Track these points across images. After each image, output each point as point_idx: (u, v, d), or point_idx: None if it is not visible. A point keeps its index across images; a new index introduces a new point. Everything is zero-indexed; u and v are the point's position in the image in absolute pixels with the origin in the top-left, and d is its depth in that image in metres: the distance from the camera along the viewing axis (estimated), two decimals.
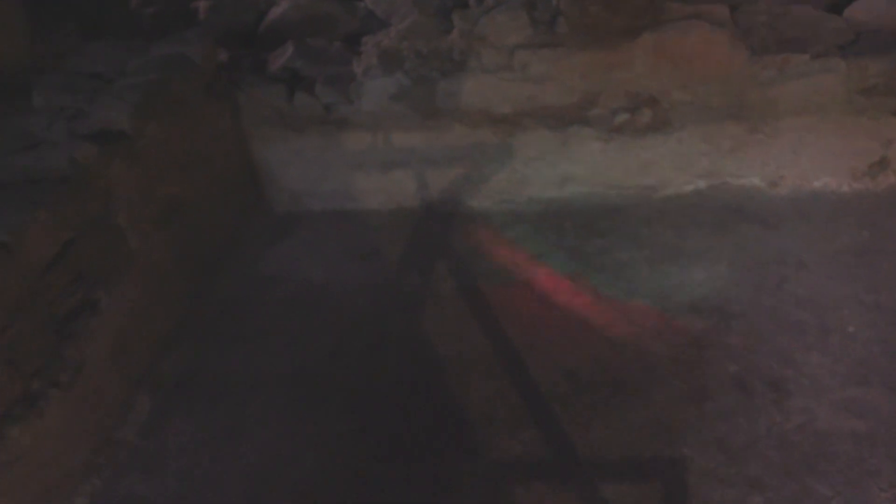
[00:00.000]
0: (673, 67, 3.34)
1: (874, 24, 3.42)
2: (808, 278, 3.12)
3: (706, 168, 3.58)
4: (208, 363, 3.11)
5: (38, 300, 2.48)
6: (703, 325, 2.97)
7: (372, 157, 3.72)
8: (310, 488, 2.57)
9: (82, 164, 2.78)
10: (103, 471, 2.71)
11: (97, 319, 2.73)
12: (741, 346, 2.87)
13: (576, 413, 2.71)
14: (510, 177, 3.68)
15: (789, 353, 2.81)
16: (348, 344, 3.11)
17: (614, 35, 3.31)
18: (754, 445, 2.52)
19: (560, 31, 3.35)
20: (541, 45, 3.38)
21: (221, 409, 2.90)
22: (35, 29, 3.45)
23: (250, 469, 2.66)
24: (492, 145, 3.61)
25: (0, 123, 2.97)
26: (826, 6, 3.58)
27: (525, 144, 3.59)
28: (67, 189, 2.65)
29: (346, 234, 3.75)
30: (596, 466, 2.53)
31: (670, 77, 3.37)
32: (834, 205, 3.46)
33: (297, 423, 2.80)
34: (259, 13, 4.18)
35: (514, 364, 2.92)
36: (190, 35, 3.55)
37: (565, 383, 2.82)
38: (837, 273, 3.12)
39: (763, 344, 2.87)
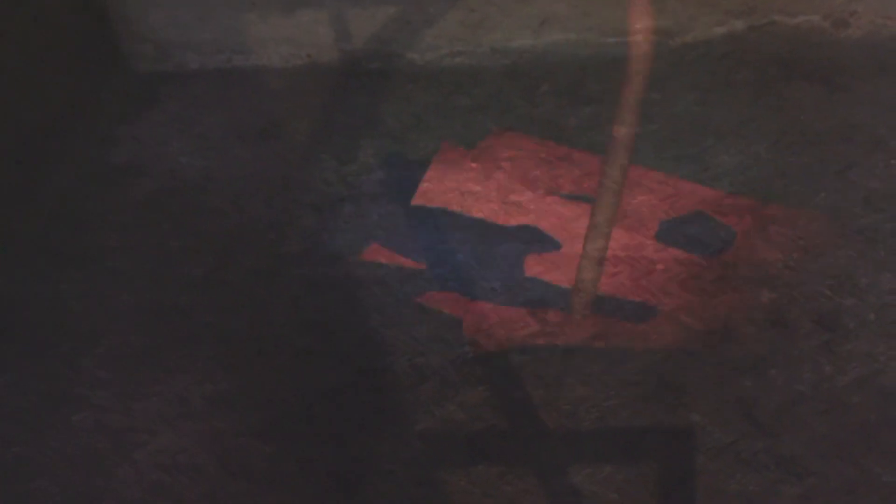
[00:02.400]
0: None
1: None
2: (885, 163, 2.99)
3: (745, 1, 3.42)
4: (25, 296, 2.96)
5: None
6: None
7: None
8: (159, 479, 2.44)
9: None
10: None
11: None
12: (781, 265, 2.72)
13: (543, 363, 2.57)
14: (465, 18, 3.55)
15: (851, 275, 2.68)
16: (230, 265, 2.97)
17: None
18: (793, 410, 2.40)
19: None
20: None
21: (42, 365, 2.75)
22: None
23: (78, 454, 2.51)
24: None
25: None
26: None
27: None
28: None
29: (235, 103, 3.62)
30: (567, 441, 2.40)
31: None
32: None
33: (148, 384, 2.66)
34: None
35: (461, 291, 2.79)
36: None
37: (532, 321, 2.68)
38: None
39: (814, 261, 2.72)
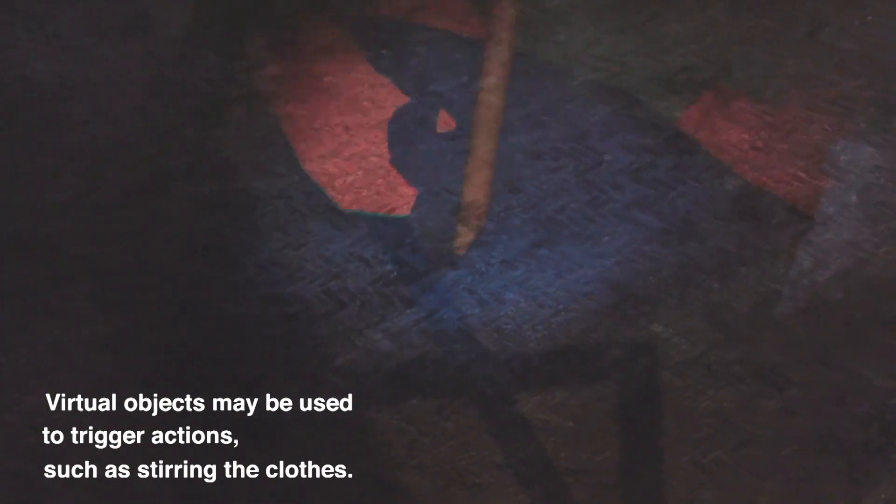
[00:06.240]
0: None
1: None
2: (860, 20, 3.05)
3: None
4: None
5: None
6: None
7: None
8: (36, 443, 2.39)
9: None
10: None
11: None
12: (748, 146, 2.76)
13: (479, 277, 2.56)
14: None
15: (828, 152, 2.73)
16: (101, 187, 2.92)
17: None
18: (768, 312, 2.44)
19: None
20: None
21: None
22: None
23: None
24: None
25: None
26: None
27: None
28: None
29: None
30: (511, 365, 2.41)
31: None
32: None
33: (14, 333, 2.63)
34: None
35: (379, 200, 2.75)
36: None
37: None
38: None
39: (784, 139, 2.75)
